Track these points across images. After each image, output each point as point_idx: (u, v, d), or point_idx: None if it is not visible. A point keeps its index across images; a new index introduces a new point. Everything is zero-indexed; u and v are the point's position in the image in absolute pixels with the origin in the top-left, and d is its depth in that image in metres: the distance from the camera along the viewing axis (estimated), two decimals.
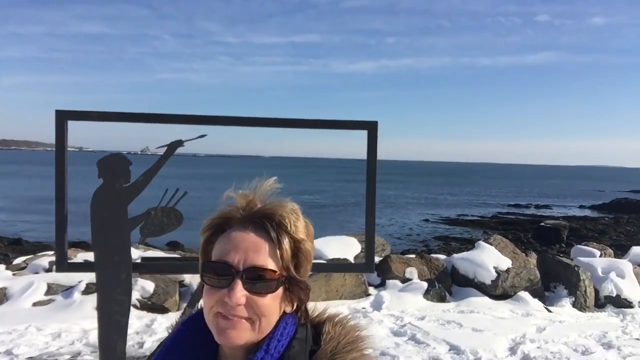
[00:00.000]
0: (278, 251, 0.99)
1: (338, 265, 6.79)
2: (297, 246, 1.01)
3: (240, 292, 0.95)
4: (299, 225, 1.02)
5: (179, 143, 4.80)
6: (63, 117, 4.63)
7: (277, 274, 0.99)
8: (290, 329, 1.03)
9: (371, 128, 5.13)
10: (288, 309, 1.04)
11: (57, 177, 4.66)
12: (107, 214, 4.60)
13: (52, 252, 9.44)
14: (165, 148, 4.82)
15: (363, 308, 7.36)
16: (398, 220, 33.28)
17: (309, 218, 1.07)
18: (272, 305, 0.99)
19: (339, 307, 7.25)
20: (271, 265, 0.98)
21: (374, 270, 5.75)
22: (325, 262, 6.95)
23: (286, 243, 1.00)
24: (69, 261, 4.88)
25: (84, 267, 5.06)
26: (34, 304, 6.67)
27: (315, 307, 1.11)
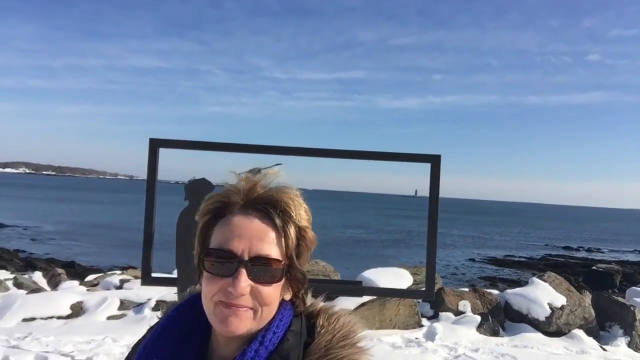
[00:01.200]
0: (283, 240, 0.98)
1: (399, 291, 6.99)
2: (301, 234, 1.01)
3: (245, 282, 0.93)
4: (302, 213, 1.01)
5: (257, 171, 5.23)
6: (156, 145, 5.15)
7: (281, 263, 0.97)
8: (286, 321, 1.01)
9: (434, 161, 5.43)
10: (287, 297, 1.03)
11: (148, 200, 5.15)
12: (191, 234, 5.03)
13: (120, 272, 10.02)
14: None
15: (416, 338, 7.51)
16: (443, 258, 32.85)
17: (307, 204, 1.04)
18: (275, 293, 0.98)
19: (392, 337, 7.46)
20: (276, 254, 0.97)
21: (434, 298, 5.95)
22: (382, 287, 7.16)
23: (291, 231, 0.99)
24: (152, 275, 5.33)
25: (166, 281, 5.49)
26: (108, 318, 7.16)
27: (309, 296, 1.09)
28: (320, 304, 1.08)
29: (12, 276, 8.78)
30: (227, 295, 0.94)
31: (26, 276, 8.98)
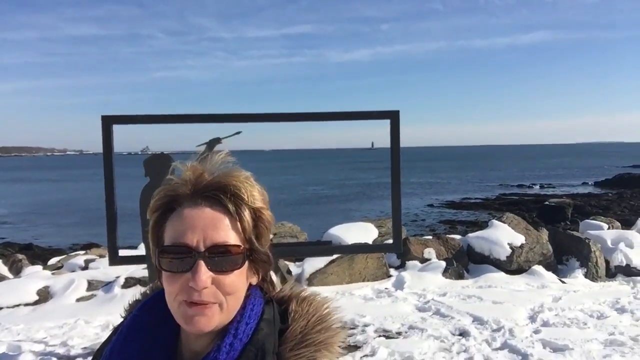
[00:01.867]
0: (239, 224, 0.95)
1: (368, 247, 7.14)
2: (257, 216, 0.97)
3: (205, 274, 0.90)
4: (256, 194, 0.97)
5: (217, 141, 5.17)
6: (109, 122, 4.99)
7: (241, 248, 0.94)
8: (258, 310, 0.98)
9: (394, 117, 5.49)
10: (254, 281, 1.01)
11: (106, 179, 5.03)
12: None
13: (83, 252, 9.83)
14: (205, 146, 5.17)
15: (386, 288, 7.74)
16: (403, 206, 33.45)
17: (262, 185, 1.02)
18: (239, 281, 0.95)
19: (363, 289, 7.66)
20: (233, 239, 0.94)
21: (401, 250, 6.11)
22: (351, 244, 7.30)
23: (246, 214, 0.95)
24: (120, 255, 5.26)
25: (135, 260, 5.43)
26: (78, 300, 7.06)
27: (278, 282, 1.07)
28: (290, 288, 1.06)
29: None
30: (190, 292, 0.90)
31: None
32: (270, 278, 1.05)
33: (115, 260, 5.23)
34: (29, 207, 36.48)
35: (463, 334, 5.74)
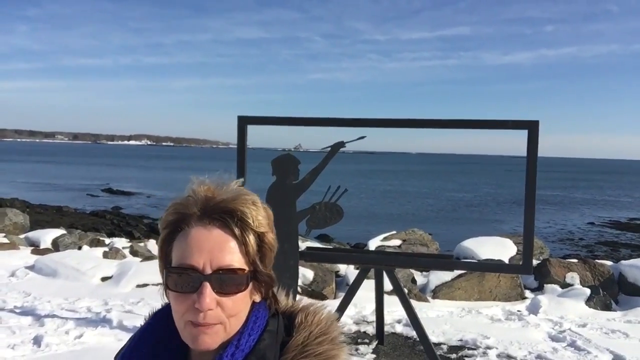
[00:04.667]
0: (244, 247, 0.97)
1: (493, 265, 6.73)
2: (261, 239, 1.00)
3: (210, 297, 0.93)
4: (261, 218, 1.00)
5: (341, 144, 5.21)
6: (244, 122, 5.28)
7: (245, 271, 0.97)
8: (261, 322, 1.01)
9: (532, 127, 5.09)
10: (257, 299, 1.03)
11: (239, 174, 5.33)
12: (279, 208, 5.16)
13: None
14: (329, 149, 5.24)
15: (518, 311, 7.21)
16: (558, 222, 31.10)
17: (266, 204, 1.04)
18: (242, 302, 0.98)
19: (492, 309, 7.21)
20: (238, 263, 0.96)
21: (531, 272, 5.64)
22: (478, 261, 6.92)
23: (251, 238, 0.98)
24: None
25: None
26: None
27: (289, 298, 1.09)
28: (301, 303, 1.08)
29: (129, 244, 9.57)
30: (195, 313, 0.93)
31: (142, 244, 9.74)
32: (273, 294, 1.06)
33: None
34: None
35: None
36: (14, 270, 7.97)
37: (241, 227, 0.97)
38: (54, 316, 6.06)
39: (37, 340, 5.30)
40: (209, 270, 0.94)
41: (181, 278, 0.95)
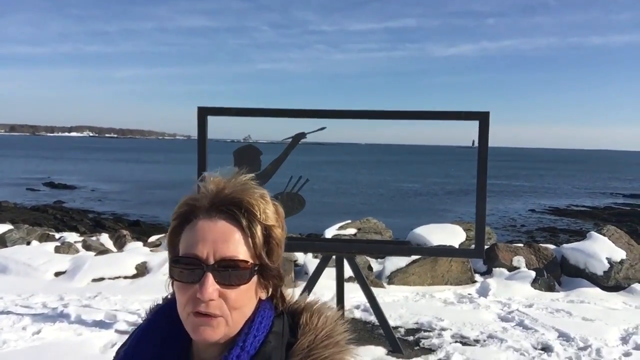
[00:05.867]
0: (250, 239, 0.97)
1: (449, 251, 7.01)
2: (268, 233, 0.99)
3: (212, 287, 0.93)
4: (269, 212, 0.99)
5: (302, 135, 5.31)
6: (204, 113, 5.28)
7: (249, 263, 0.96)
8: (267, 322, 1.00)
9: (483, 118, 5.33)
10: (263, 296, 1.02)
11: (199, 165, 5.33)
12: None
13: None
14: (290, 140, 5.32)
15: (469, 294, 7.54)
16: (500, 209, 32.28)
17: (278, 201, 1.04)
18: (246, 296, 0.97)
19: (445, 293, 7.51)
20: (242, 254, 0.96)
21: (484, 256, 5.93)
22: (434, 247, 7.18)
23: (258, 231, 0.97)
24: None
25: None
26: None
27: (293, 294, 1.08)
28: (304, 300, 1.07)
29: (81, 239, 9.35)
30: (197, 302, 0.93)
31: (94, 238, 9.54)
32: (281, 293, 1.05)
33: None
34: (139, 186, 39.34)
35: (545, 349, 5.47)
36: None
37: (248, 219, 0.97)
38: (8, 312, 5.90)
39: None
40: (211, 261, 0.94)
41: (184, 268, 0.95)
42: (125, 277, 7.43)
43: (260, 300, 1.02)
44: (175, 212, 1.02)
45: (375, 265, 8.52)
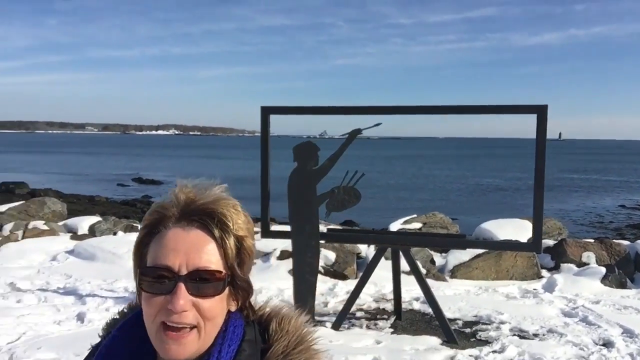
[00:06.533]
0: (222, 250, 0.95)
1: (503, 244, 6.98)
2: (240, 243, 0.98)
3: (184, 298, 0.90)
4: (241, 222, 0.98)
5: (358, 131, 5.52)
6: (266, 112, 5.63)
7: (222, 274, 0.95)
8: (239, 331, 0.99)
9: (541, 112, 5.31)
10: (233, 308, 1.00)
11: (262, 162, 5.70)
12: (300, 192, 5.51)
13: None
14: (347, 136, 5.56)
15: (534, 289, 7.45)
16: (588, 205, 30.78)
17: (247, 211, 1.02)
18: (218, 307, 0.95)
19: (509, 287, 7.47)
20: (215, 265, 0.94)
21: (540, 251, 5.89)
22: (489, 240, 7.17)
23: (230, 241, 0.96)
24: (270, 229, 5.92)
25: (282, 234, 6.06)
26: None
27: (256, 300, 1.06)
28: (269, 306, 1.07)
29: None
30: (168, 314, 0.91)
31: None
32: (250, 304, 1.05)
33: (267, 234, 5.92)
34: (221, 181, 40.84)
35: (607, 344, 5.37)
36: (55, 254, 8.54)
37: (221, 229, 0.96)
38: (94, 295, 6.57)
39: (80, 317, 5.80)
40: (184, 271, 0.92)
41: (155, 279, 0.92)
42: None
43: (229, 312, 1.00)
44: (143, 221, 1.01)
45: (439, 259, 8.58)
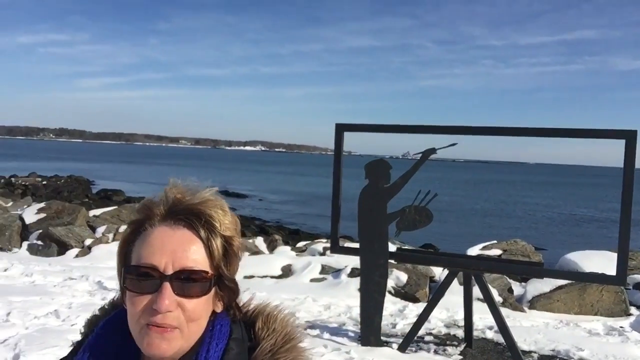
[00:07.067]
0: (209, 250, 0.94)
1: (584, 275, 6.56)
2: (228, 243, 0.97)
3: (170, 298, 0.89)
4: (228, 222, 0.97)
5: (432, 151, 5.45)
6: (341, 129, 5.70)
7: (209, 274, 0.93)
8: (226, 330, 0.97)
9: (630, 137, 5.00)
10: (218, 309, 0.99)
11: (334, 179, 5.75)
12: (371, 209, 5.50)
13: (325, 240, 11.09)
14: (420, 155, 5.50)
15: (621, 327, 6.92)
16: None
17: (233, 212, 1.01)
18: (204, 307, 0.94)
19: (592, 323, 7.01)
20: (202, 265, 0.93)
21: (625, 284, 5.49)
22: (569, 270, 6.78)
23: (217, 242, 0.94)
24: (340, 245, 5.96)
25: (351, 251, 6.08)
26: (311, 280, 8.12)
27: (240, 298, 1.03)
28: (253, 304, 1.05)
29: None
30: (153, 314, 0.89)
31: (250, 241, 10.54)
32: (237, 304, 1.03)
33: (336, 249, 5.96)
34: (302, 197, 41.75)
35: None
36: None
37: (207, 229, 0.94)
38: None
39: None
40: (170, 271, 0.90)
41: (140, 278, 0.91)
42: (272, 277, 8.17)
43: (214, 312, 0.99)
44: (129, 220, 1.00)
45: (518, 288, 8.22)
